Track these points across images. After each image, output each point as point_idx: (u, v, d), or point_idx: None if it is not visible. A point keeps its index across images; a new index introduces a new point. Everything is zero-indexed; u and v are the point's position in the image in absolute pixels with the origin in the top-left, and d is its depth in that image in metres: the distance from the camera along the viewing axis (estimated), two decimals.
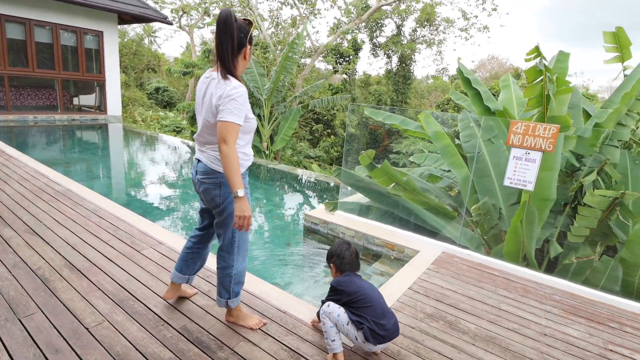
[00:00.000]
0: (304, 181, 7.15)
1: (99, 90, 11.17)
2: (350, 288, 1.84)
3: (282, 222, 4.86)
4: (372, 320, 1.76)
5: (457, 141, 4.37)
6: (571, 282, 2.88)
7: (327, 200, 4.18)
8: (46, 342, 1.77)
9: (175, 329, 1.95)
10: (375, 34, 25.11)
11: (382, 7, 18.05)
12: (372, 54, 26.08)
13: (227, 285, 1.92)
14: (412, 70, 25.54)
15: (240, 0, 18.95)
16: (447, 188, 4.90)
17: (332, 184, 6.72)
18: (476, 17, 19.15)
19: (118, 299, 2.15)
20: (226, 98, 1.60)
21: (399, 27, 24.92)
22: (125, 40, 25.14)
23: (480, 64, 36.71)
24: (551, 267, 3.42)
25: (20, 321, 1.90)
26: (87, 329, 1.89)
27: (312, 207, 5.66)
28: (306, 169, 13.28)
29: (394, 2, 17.02)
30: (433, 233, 3.69)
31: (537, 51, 2.79)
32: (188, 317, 2.06)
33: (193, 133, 15.86)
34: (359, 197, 4.47)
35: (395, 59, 25.64)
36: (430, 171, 5.17)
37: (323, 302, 1.93)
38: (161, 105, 23.18)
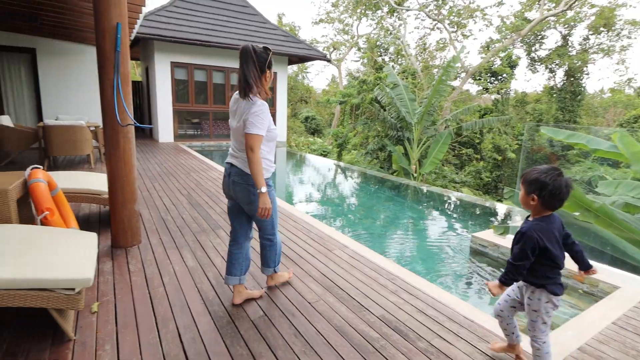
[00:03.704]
0: (458, 203, 6.97)
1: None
2: (545, 242, 1.59)
3: (447, 243, 4.88)
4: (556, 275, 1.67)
5: None
6: None
7: (495, 224, 4.06)
8: (284, 307, 2.34)
9: (375, 316, 2.29)
10: (533, 48, 22.67)
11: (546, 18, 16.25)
12: (530, 69, 23.50)
13: (274, 257, 2.43)
14: (583, 85, 21.85)
15: (386, 31, 19.95)
16: None
17: (491, 208, 6.37)
18: None
19: (326, 285, 2.65)
20: (252, 114, 1.93)
21: (565, 37, 21.90)
22: None
23: None
24: None
25: (267, 292, 2.55)
26: (309, 303, 2.40)
27: (470, 229, 5.50)
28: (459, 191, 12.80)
29: (561, 11, 15.13)
30: (637, 269, 3.17)
31: None
32: (384, 308, 2.38)
33: (339, 156, 17.23)
34: None
35: (560, 73, 22.48)
36: (623, 199, 4.42)
37: (509, 271, 1.67)
38: (309, 131, 25.92)
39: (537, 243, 1.58)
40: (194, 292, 2.46)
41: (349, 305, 2.40)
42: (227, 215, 2.36)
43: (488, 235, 3.97)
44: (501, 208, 6.29)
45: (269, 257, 2.43)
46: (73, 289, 1.88)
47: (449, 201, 7.10)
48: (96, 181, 3.63)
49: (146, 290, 2.46)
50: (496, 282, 1.74)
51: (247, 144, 1.93)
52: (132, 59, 16.92)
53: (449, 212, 6.62)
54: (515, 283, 1.80)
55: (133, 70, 31.58)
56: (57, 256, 2.02)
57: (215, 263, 2.93)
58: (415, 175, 10.16)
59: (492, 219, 5.94)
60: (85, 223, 3.69)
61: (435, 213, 6.50)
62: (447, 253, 4.44)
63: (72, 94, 9.80)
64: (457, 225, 5.85)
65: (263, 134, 1.96)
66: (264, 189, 1.96)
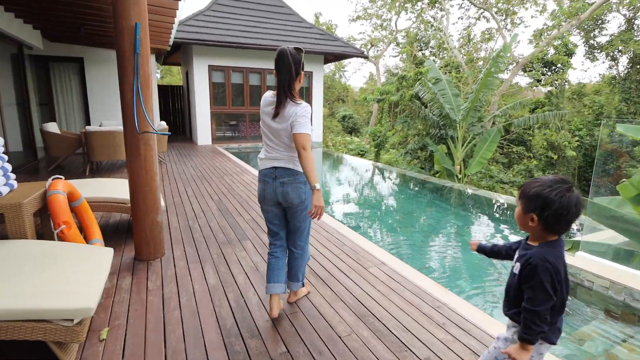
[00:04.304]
0: (509, 208, 6.29)
1: None
2: (563, 274, 1.23)
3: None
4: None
5: None
6: None
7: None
8: (310, 342, 2.02)
9: (419, 359, 1.90)
10: (592, 34, 20.61)
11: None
12: (588, 57, 21.40)
13: (303, 270, 2.31)
14: None
15: (426, 24, 19.03)
16: None
17: None
18: None
19: (359, 313, 2.29)
20: (300, 116, 1.96)
21: (629, 20, 19.71)
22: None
23: None
24: None
25: (288, 317, 2.24)
26: (340, 337, 2.06)
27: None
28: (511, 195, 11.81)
29: None
30: None
31: None
32: (429, 348, 1.98)
33: (377, 155, 16.65)
34: (607, 237, 3.52)
35: (624, 61, 20.26)
36: None
37: (531, 322, 1.22)
38: (347, 130, 25.49)
39: (556, 274, 1.19)
40: (211, 318, 2.21)
41: (387, 341, 2.03)
42: (270, 226, 2.24)
43: None
44: None
45: (298, 268, 2.30)
46: (72, 320, 1.68)
47: (499, 206, 6.43)
48: (122, 189, 3.52)
49: (161, 314, 2.24)
50: (516, 344, 1.28)
51: (299, 143, 1.95)
52: (174, 64, 17.51)
53: (500, 219, 5.97)
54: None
55: (178, 76, 32.92)
56: (59, 280, 1.84)
57: (238, 281, 2.67)
58: (459, 176, 9.45)
59: None
60: (113, 233, 3.61)
61: (484, 220, 5.89)
62: (500, 271, 3.89)
63: (115, 100, 10.16)
64: (511, 236, 5.22)
65: (311, 133, 2.02)
66: (318, 186, 1.95)
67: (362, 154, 17.98)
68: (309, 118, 2.00)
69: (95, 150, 6.46)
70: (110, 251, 2.36)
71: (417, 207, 6.65)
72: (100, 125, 8.14)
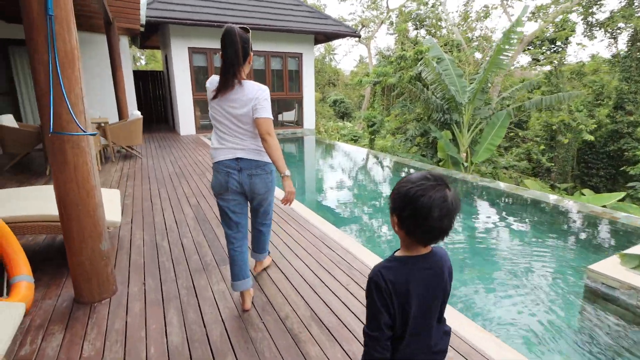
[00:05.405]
0: (532, 204, 5.60)
1: (298, 107, 12.28)
2: (397, 300, 0.95)
3: (533, 273, 3.59)
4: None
5: None
6: None
7: (622, 252, 2.78)
8: None
9: None
10: (590, 11, 19.81)
11: None
12: (587, 35, 20.65)
13: (268, 240, 2.43)
14: None
15: (420, 2, 18.05)
16: None
17: (595, 216, 4.97)
18: None
19: None
20: (263, 100, 1.86)
21: None
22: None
23: None
24: None
25: None
26: None
27: (564, 248, 4.20)
28: (520, 183, 11.16)
29: None
30: None
31: None
32: None
33: (372, 142, 15.85)
34: None
35: (624, 38, 19.57)
36: None
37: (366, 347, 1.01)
38: (338, 115, 24.60)
39: (388, 297, 0.94)
40: None
41: None
42: (232, 215, 2.04)
43: (617, 270, 2.70)
44: (620, 217, 4.85)
45: (265, 241, 2.42)
46: None
47: (518, 202, 5.74)
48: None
49: None
50: None
51: (264, 129, 1.87)
52: (153, 47, 16.28)
53: (525, 220, 5.27)
54: None
55: (159, 63, 31.30)
56: None
57: (211, 337, 1.91)
58: (465, 164, 8.74)
59: (598, 232, 4.57)
60: (57, 261, 2.80)
61: (508, 221, 5.19)
62: (539, 293, 3.20)
63: (92, 88, 9.16)
64: (541, 242, 4.53)
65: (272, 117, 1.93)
66: (288, 172, 1.93)
67: (355, 140, 17.18)
68: (270, 102, 1.92)
69: None
70: (16, 309, 1.60)
71: None
72: None
